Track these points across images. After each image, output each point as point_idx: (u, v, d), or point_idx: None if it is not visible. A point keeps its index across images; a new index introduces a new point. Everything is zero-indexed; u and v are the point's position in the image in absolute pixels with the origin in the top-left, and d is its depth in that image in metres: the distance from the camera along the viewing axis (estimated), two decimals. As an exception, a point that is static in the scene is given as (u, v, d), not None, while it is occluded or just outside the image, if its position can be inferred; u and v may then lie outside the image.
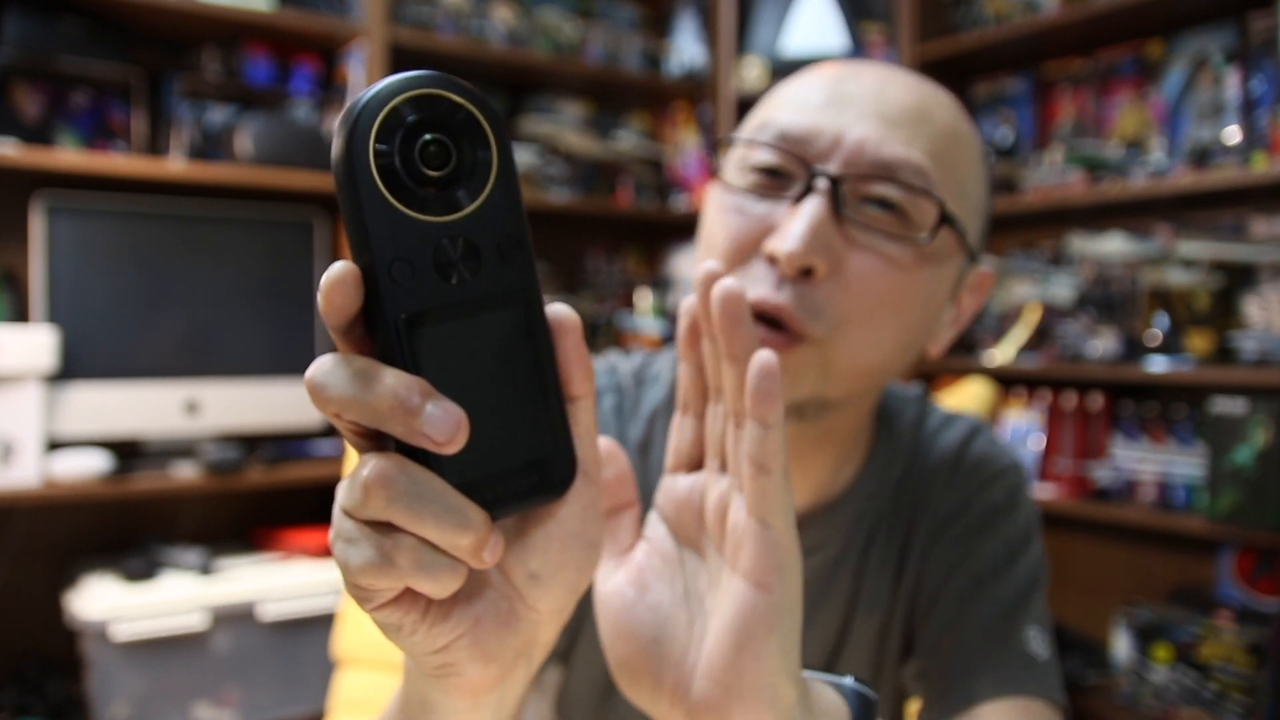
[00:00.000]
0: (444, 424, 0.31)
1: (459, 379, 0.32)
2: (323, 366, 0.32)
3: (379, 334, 0.32)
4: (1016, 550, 0.68)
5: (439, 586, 0.32)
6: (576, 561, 0.37)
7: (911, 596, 0.70)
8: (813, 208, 0.57)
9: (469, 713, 0.39)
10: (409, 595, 0.34)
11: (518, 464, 0.34)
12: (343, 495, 0.33)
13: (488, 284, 0.33)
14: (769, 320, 0.57)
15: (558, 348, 0.35)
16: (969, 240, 0.63)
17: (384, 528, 0.32)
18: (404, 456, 0.32)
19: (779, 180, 0.60)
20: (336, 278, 0.31)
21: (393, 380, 0.31)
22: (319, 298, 0.32)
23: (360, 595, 0.34)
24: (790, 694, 0.40)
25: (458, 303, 0.32)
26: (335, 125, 0.32)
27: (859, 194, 0.58)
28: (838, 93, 0.61)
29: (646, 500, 0.70)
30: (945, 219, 0.59)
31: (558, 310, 0.35)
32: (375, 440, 0.34)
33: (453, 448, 0.31)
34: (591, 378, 0.36)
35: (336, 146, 0.31)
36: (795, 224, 0.56)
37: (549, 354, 0.35)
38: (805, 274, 0.57)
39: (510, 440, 0.34)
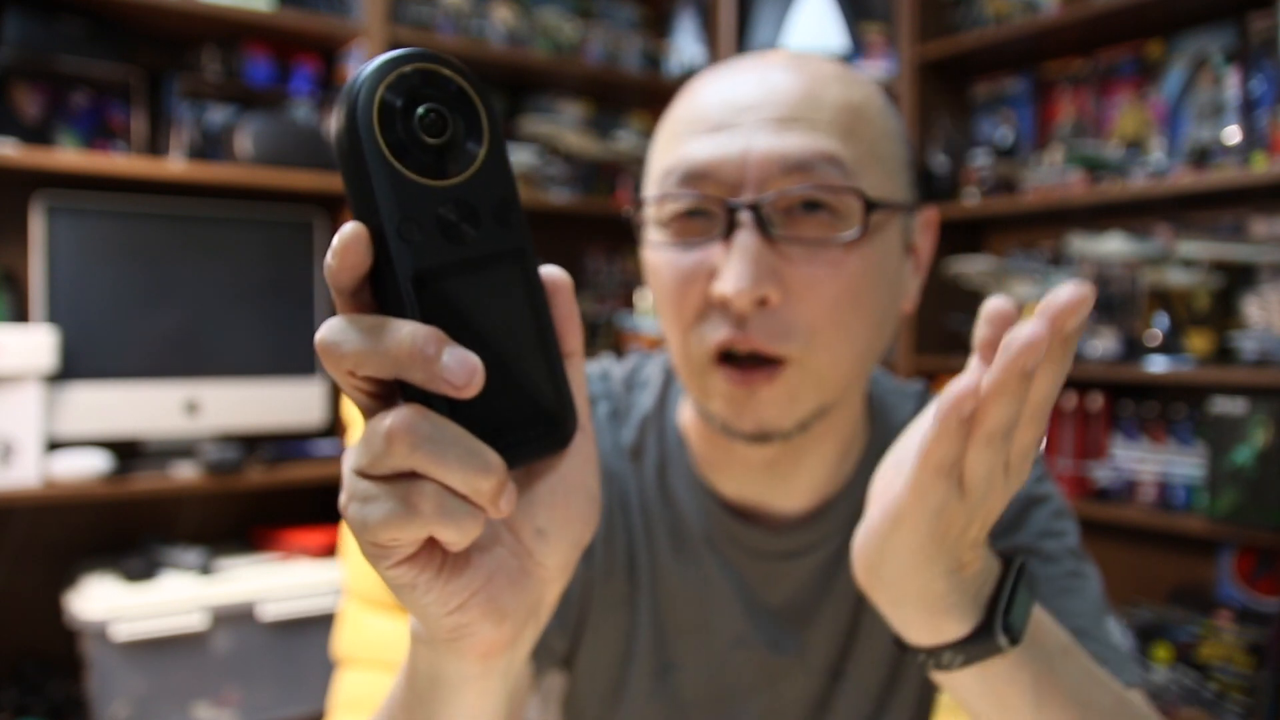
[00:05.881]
0: (460, 369, 0.32)
1: (465, 334, 0.34)
2: (333, 326, 0.33)
3: (388, 293, 0.33)
4: (1063, 545, 0.66)
5: (461, 533, 0.33)
6: (580, 515, 0.39)
7: None
8: (744, 241, 0.57)
9: (479, 679, 0.40)
10: (425, 551, 0.35)
11: (524, 416, 0.36)
12: (356, 456, 0.34)
13: (487, 244, 0.35)
14: (745, 360, 0.58)
15: (552, 305, 0.37)
16: (901, 201, 0.63)
17: (403, 480, 0.33)
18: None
19: (701, 220, 0.60)
20: (350, 237, 0.33)
21: (410, 329, 0.32)
22: (330, 258, 0.33)
23: (377, 553, 0.34)
24: (938, 586, 0.44)
25: (460, 262, 0.34)
26: (337, 101, 0.34)
27: (782, 206, 0.58)
28: (727, 105, 0.60)
29: (643, 505, 0.70)
30: (870, 206, 0.58)
31: (550, 271, 0.37)
32: (384, 402, 0.34)
33: (469, 391, 0.32)
34: (582, 335, 0.38)
35: (340, 119, 0.33)
36: (734, 264, 0.56)
37: (546, 311, 0.36)
38: (760, 304, 0.57)
39: (516, 393, 0.35)
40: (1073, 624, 0.61)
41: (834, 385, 0.60)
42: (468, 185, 0.34)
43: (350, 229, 0.33)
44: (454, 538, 0.33)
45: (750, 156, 0.58)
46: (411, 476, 0.33)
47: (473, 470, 0.32)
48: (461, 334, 0.33)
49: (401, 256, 0.33)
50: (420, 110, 0.34)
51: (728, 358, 0.59)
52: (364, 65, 0.34)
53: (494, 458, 0.33)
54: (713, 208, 0.59)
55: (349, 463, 0.34)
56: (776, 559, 0.68)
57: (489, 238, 0.35)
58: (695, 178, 0.59)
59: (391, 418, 0.32)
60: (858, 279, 0.59)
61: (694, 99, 0.64)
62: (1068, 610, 0.62)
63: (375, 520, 0.33)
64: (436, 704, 0.42)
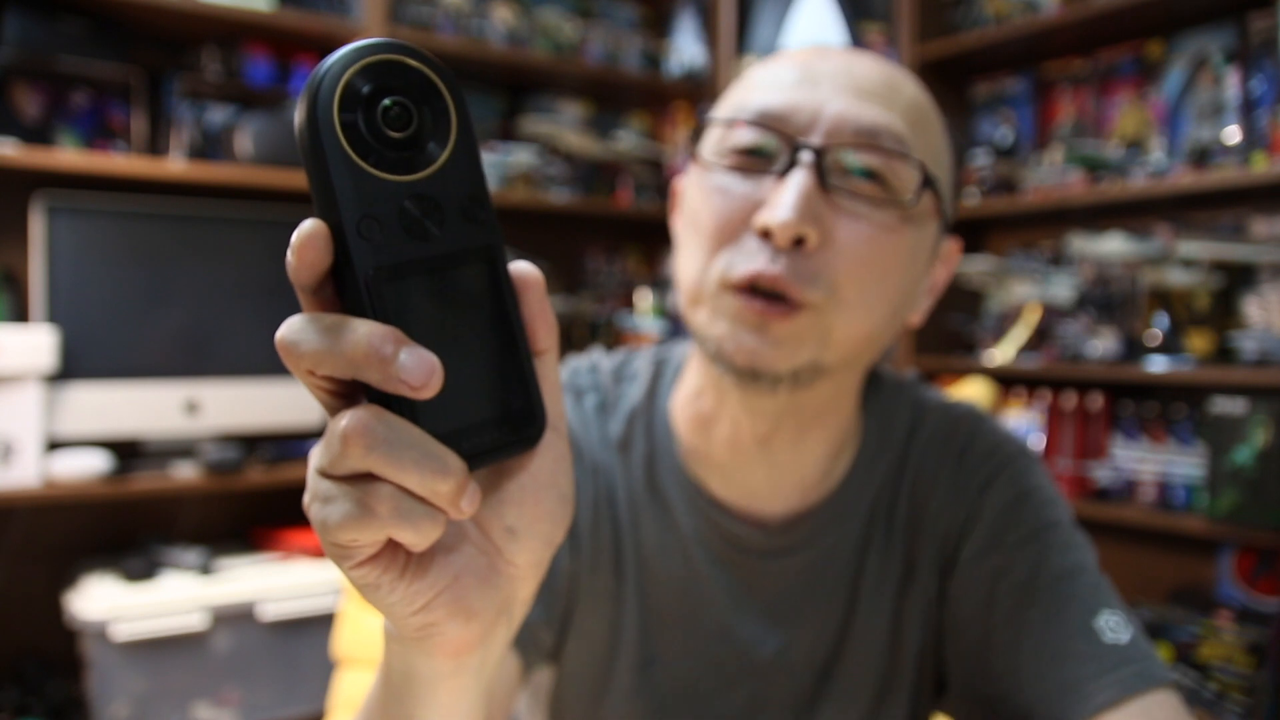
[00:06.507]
0: (418, 369, 0.31)
1: (429, 333, 0.33)
2: (292, 325, 0.32)
3: (348, 291, 0.33)
4: (1047, 542, 0.64)
5: (419, 535, 0.33)
6: (551, 514, 0.38)
7: (938, 615, 0.67)
8: (800, 179, 0.57)
9: (452, 676, 0.40)
10: (388, 551, 0.35)
11: (490, 416, 0.35)
12: (317, 456, 0.33)
13: (453, 241, 0.34)
14: (767, 293, 0.58)
15: (522, 303, 0.36)
16: (945, 205, 0.64)
17: (362, 481, 0.32)
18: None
19: (761, 159, 0.61)
20: (308, 234, 0.32)
21: (366, 329, 0.31)
22: (289, 255, 0.32)
23: (339, 553, 0.34)
24: None
25: (424, 259, 0.33)
26: (300, 92, 0.33)
27: (841, 165, 0.59)
28: (809, 71, 0.62)
29: (630, 498, 0.70)
30: (927, 181, 0.60)
31: (521, 267, 0.36)
32: (347, 400, 0.34)
33: (428, 392, 0.31)
34: (555, 332, 0.37)
35: (301, 112, 0.32)
36: (785, 195, 0.57)
37: (515, 309, 0.36)
38: (797, 244, 0.58)
39: (482, 393, 0.35)
40: (1052, 649, 0.60)
41: (837, 348, 0.60)
42: (433, 180, 0.33)
43: (309, 225, 0.32)
44: (412, 539, 0.33)
45: (825, 111, 0.60)
46: (370, 478, 0.32)
47: (430, 473, 0.32)
48: (424, 333, 0.33)
49: (360, 254, 0.32)
50: (385, 103, 0.33)
51: (750, 291, 0.59)
52: (329, 56, 0.33)
53: (453, 460, 0.32)
54: (776, 146, 0.60)
55: (312, 462, 0.34)
56: (763, 556, 0.68)
57: (455, 235, 0.34)
58: (767, 118, 0.60)
59: (347, 419, 0.32)
60: (894, 248, 0.60)
61: (778, 62, 0.64)
62: (1048, 641, 0.61)
63: (334, 521, 0.33)
64: (411, 702, 0.41)
